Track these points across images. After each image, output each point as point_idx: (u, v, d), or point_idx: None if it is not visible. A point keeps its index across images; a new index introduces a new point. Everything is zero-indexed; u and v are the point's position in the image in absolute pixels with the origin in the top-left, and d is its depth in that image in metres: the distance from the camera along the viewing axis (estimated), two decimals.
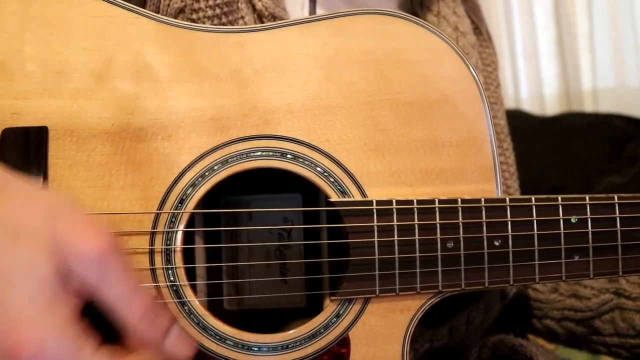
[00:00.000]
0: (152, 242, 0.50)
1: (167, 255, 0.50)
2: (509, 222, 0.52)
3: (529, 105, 2.02)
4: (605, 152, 1.53)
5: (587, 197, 0.53)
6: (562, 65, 2.03)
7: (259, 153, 0.51)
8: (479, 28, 0.76)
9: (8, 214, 0.39)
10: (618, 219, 0.54)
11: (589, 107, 1.98)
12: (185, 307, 0.50)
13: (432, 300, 0.52)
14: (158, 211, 0.50)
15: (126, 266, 0.41)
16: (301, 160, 0.52)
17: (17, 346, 0.36)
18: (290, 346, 0.51)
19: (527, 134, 1.58)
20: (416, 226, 0.51)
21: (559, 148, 1.57)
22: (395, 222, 0.51)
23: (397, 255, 0.51)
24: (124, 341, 0.41)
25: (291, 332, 0.51)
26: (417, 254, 0.51)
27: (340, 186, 0.52)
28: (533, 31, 2.05)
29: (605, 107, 1.91)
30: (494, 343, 0.67)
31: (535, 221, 0.52)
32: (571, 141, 1.57)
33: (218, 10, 0.61)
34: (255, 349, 0.50)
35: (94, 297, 0.40)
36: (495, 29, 2.06)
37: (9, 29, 0.50)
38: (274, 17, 0.61)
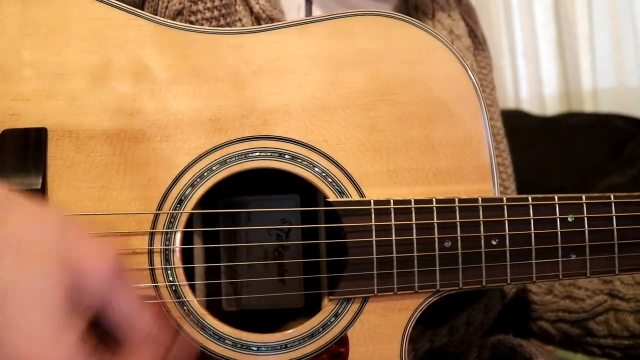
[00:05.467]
0: (151, 243, 0.50)
1: (166, 255, 0.50)
2: (506, 222, 0.52)
3: (529, 105, 2.02)
4: (605, 152, 1.53)
5: (583, 197, 0.54)
6: (562, 65, 2.03)
7: (257, 154, 0.52)
8: (474, 31, 0.76)
9: (17, 232, 0.39)
10: (614, 217, 0.54)
11: (589, 107, 1.98)
12: (184, 307, 0.50)
13: (430, 299, 0.52)
14: (157, 211, 0.50)
15: (132, 286, 0.42)
16: (299, 160, 0.52)
17: None
18: (289, 346, 0.51)
19: (527, 134, 1.59)
20: (414, 226, 0.51)
21: (559, 148, 1.57)
22: (393, 222, 0.51)
23: (395, 255, 0.51)
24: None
25: (290, 331, 0.51)
26: (415, 254, 0.51)
27: (338, 186, 0.52)
28: (533, 31, 2.05)
29: (605, 107, 1.91)
30: (493, 343, 0.67)
31: (532, 220, 0.53)
32: (571, 141, 1.58)
33: (216, 13, 0.61)
34: (254, 348, 0.51)
35: (101, 316, 0.41)
36: (495, 29, 2.07)
37: (7, 31, 0.50)
38: (271, 20, 0.61)
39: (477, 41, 0.77)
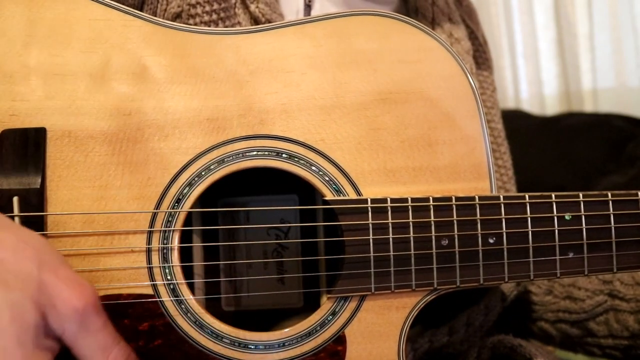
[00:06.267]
0: (149, 241, 0.50)
1: (164, 254, 0.50)
2: (503, 220, 0.52)
3: (529, 105, 2.02)
4: (605, 152, 1.53)
5: (580, 195, 0.54)
6: (562, 65, 2.03)
7: (254, 153, 0.52)
8: (474, 33, 0.76)
9: None
10: (612, 215, 0.54)
11: (589, 107, 1.98)
12: (182, 306, 0.50)
13: (427, 297, 0.52)
14: (155, 210, 0.50)
15: (105, 322, 0.43)
16: (296, 159, 0.52)
17: None
18: (286, 344, 0.51)
19: (527, 134, 1.59)
20: (411, 224, 0.51)
21: (559, 148, 1.57)
22: (390, 220, 0.51)
23: (392, 253, 0.51)
24: None
25: (287, 330, 0.51)
26: (412, 252, 0.51)
27: (335, 185, 0.52)
28: (533, 31, 2.05)
29: (605, 107, 1.91)
30: (493, 343, 0.67)
31: (529, 218, 0.53)
32: (571, 141, 1.57)
33: (215, 16, 0.61)
34: (252, 346, 0.51)
35: (70, 348, 0.42)
36: (495, 29, 2.07)
37: (8, 33, 0.51)
38: (270, 23, 0.61)
39: (478, 43, 0.77)
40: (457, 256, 0.52)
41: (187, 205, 0.51)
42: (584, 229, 0.53)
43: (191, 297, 0.50)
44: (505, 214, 0.53)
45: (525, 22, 2.06)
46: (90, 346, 0.42)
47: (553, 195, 0.53)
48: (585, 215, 0.53)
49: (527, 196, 0.53)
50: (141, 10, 0.63)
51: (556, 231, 0.53)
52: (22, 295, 0.39)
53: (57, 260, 0.43)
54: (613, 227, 0.54)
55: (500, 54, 2.05)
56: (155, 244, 0.50)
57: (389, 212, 0.51)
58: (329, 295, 0.52)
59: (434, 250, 0.52)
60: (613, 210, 0.54)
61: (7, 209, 0.47)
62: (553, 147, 1.57)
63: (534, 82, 2.05)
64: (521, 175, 0.78)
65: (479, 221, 0.52)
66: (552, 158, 1.55)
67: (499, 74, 1.99)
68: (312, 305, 0.56)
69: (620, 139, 1.54)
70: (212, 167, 0.51)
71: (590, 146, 1.54)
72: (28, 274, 0.40)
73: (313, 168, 0.52)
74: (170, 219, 0.50)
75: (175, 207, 0.51)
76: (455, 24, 0.72)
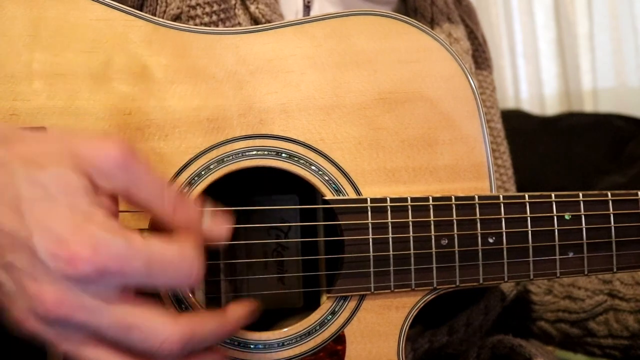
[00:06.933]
0: None
1: None
2: (503, 219, 0.53)
3: (529, 105, 2.02)
4: (605, 152, 1.53)
5: (580, 194, 0.54)
6: (562, 65, 2.03)
7: (254, 152, 0.52)
8: (473, 32, 0.76)
9: (23, 151, 0.40)
10: (612, 215, 0.54)
11: (589, 107, 1.98)
12: (182, 305, 0.50)
13: (427, 297, 0.53)
14: None
15: (147, 165, 0.42)
16: (296, 159, 0.52)
17: (72, 259, 0.37)
18: (286, 343, 0.51)
19: (527, 134, 1.59)
20: (410, 223, 0.52)
21: (559, 148, 1.57)
22: (389, 220, 0.51)
23: (391, 253, 0.51)
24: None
25: (287, 329, 0.51)
26: (412, 251, 0.51)
27: (335, 185, 0.52)
28: (533, 31, 2.05)
29: (605, 107, 1.91)
30: (493, 343, 0.67)
31: (529, 218, 0.53)
32: (571, 141, 1.57)
33: (215, 17, 0.61)
34: (252, 346, 0.51)
35: (126, 199, 0.41)
36: (495, 29, 2.07)
37: (9, 33, 0.51)
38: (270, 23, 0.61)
39: (477, 42, 0.77)
40: (456, 256, 0.52)
41: None
42: (584, 229, 0.54)
43: (191, 296, 0.50)
44: (504, 214, 0.53)
45: (525, 22, 2.06)
46: (146, 189, 0.41)
47: (553, 195, 0.54)
48: (585, 215, 0.54)
49: (526, 196, 0.53)
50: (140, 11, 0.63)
51: (556, 231, 0.53)
52: (61, 167, 0.39)
53: (78, 132, 0.43)
54: (613, 227, 0.54)
55: (500, 54, 2.05)
56: None
57: (389, 212, 0.51)
58: (328, 295, 0.52)
59: (433, 250, 0.52)
60: (613, 210, 0.54)
61: None
62: (553, 147, 1.57)
63: (534, 82, 2.05)
64: (521, 175, 0.78)
65: (478, 221, 0.52)
66: (552, 158, 1.55)
67: (499, 74, 1.99)
68: (311, 304, 0.56)
69: (620, 139, 1.54)
70: (212, 166, 0.51)
71: (590, 146, 1.54)
72: (57, 149, 0.40)
73: (313, 168, 0.52)
74: None
75: None
76: (455, 24, 0.72)
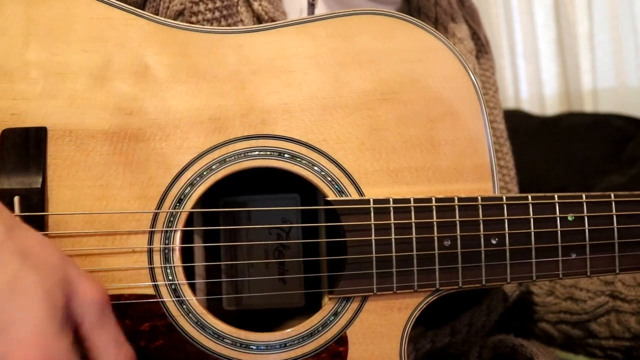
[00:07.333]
0: (150, 241, 0.50)
1: (166, 254, 0.50)
2: (506, 220, 0.52)
3: (529, 105, 2.02)
4: (605, 152, 1.53)
5: (583, 195, 0.54)
6: (562, 65, 2.03)
7: (256, 152, 0.52)
8: (476, 33, 0.76)
9: (27, 246, 0.42)
10: (615, 216, 0.54)
11: (589, 107, 1.98)
12: (184, 306, 0.50)
13: (429, 298, 0.52)
14: (156, 210, 0.50)
15: (116, 320, 0.45)
16: (299, 159, 0.52)
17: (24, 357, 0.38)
18: (288, 344, 0.51)
19: (527, 134, 1.59)
20: (413, 224, 0.51)
21: (559, 148, 1.57)
22: (392, 221, 0.51)
23: (394, 254, 0.51)
24: None
25: (289, 330, 0.51)
26: (414, 252, 0.51)
27: (337, 185, 0.52)
28: (533, 31, 2.05)
29: (605, 107, 1.91)
30: (494, 343, 0.67)
31: (532, 219, 0.53)
32: (571, 141, 1.57)
33: (217, 14, 0.61)
34: (254, 347, 0.51)
35: (85, 337, 0.43)
36: (495, 29, 2.07)
37: (9, 31, 0.51)
38: (273, 21, 0.61)
39: (480, 43, 0.77)
40: (459, 257, 0.52)
41: (188, 205, 0.51)
42: (587, 230, 0.53)
43: (193, 297, 0.50)
44: (507, 215, 0.52)
45: (525, 22, 2.05)
46: (106, 337, 0.43)
47: (556, 196, 0.53)
48: (588, 216, 0.53)
49: (529, 197, 0.53)
50: (143, 8, 0.62)
51: (559, 232, 0.53)
52: (52, 279, 0.41)
53: (76, 263, 0.45)
54: (616, 228, 0.54)
55: (500, 54, 2.05)
56: (157, 244, 0.50)
57: (392, 213, 0.51)
58: (330, 296, 0.52)
59: (436, 251, 0.51)
60: (616, 211, 0.54)
61: (8, 209, 0.47)
62: (553, 147, 1.57)
63: (534, 82, 2.04)
64: (521, 175, 0.78)
65: (481, 222, 0.52)
66: (552, 158, 1.55)
67: (499, 74, 1.98)
68: (313, 305, 0.55)
69: (620, 139, 1.54)
70: (213, 167, 0.51)
71: (590, 146, 1.54)
72: (55, 264, 0.42)
73: (315, 168, 0.52)
74: (171, 219, 0.50)
75: (177, 207, 0.50)
76: (458, 24, 0.72)
